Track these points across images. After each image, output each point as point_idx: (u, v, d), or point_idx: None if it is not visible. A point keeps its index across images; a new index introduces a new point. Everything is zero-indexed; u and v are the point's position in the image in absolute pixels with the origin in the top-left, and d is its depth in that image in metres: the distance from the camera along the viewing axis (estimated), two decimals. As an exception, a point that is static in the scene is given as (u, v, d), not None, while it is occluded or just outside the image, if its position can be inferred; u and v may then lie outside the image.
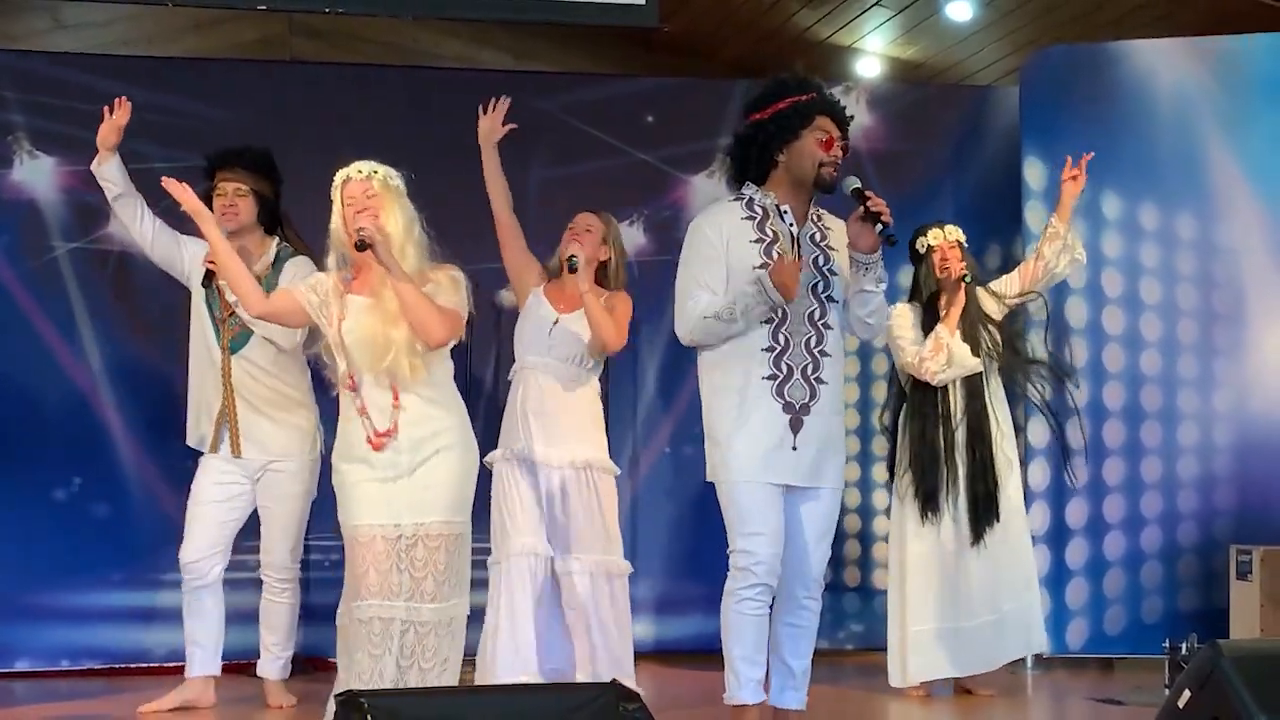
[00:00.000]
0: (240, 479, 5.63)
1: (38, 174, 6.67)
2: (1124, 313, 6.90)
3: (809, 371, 4.67)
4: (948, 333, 5.95)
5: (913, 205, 7.16)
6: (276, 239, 5.69)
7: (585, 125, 7.20)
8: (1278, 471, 6.73)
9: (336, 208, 4.58)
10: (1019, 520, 6.08)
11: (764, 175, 4.78)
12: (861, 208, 4.57)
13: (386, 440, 4.48)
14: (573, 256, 5.41)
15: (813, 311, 4.70)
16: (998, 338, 6.05)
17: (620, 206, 7.12)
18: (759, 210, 4.74)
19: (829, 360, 4.71)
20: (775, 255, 4.66)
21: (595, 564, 5.45)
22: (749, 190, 4.80)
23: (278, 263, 5.63)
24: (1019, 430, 6.90)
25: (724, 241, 4.68)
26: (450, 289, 4.57)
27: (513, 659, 5.30)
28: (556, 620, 5.44)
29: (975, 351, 5.98)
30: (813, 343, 4.69)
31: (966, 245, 6.13)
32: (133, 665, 6.49)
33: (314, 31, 8.17)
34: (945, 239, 6.07)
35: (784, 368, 4.66)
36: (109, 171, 5.64)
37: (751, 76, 7.64)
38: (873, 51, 8.64)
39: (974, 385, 6.00)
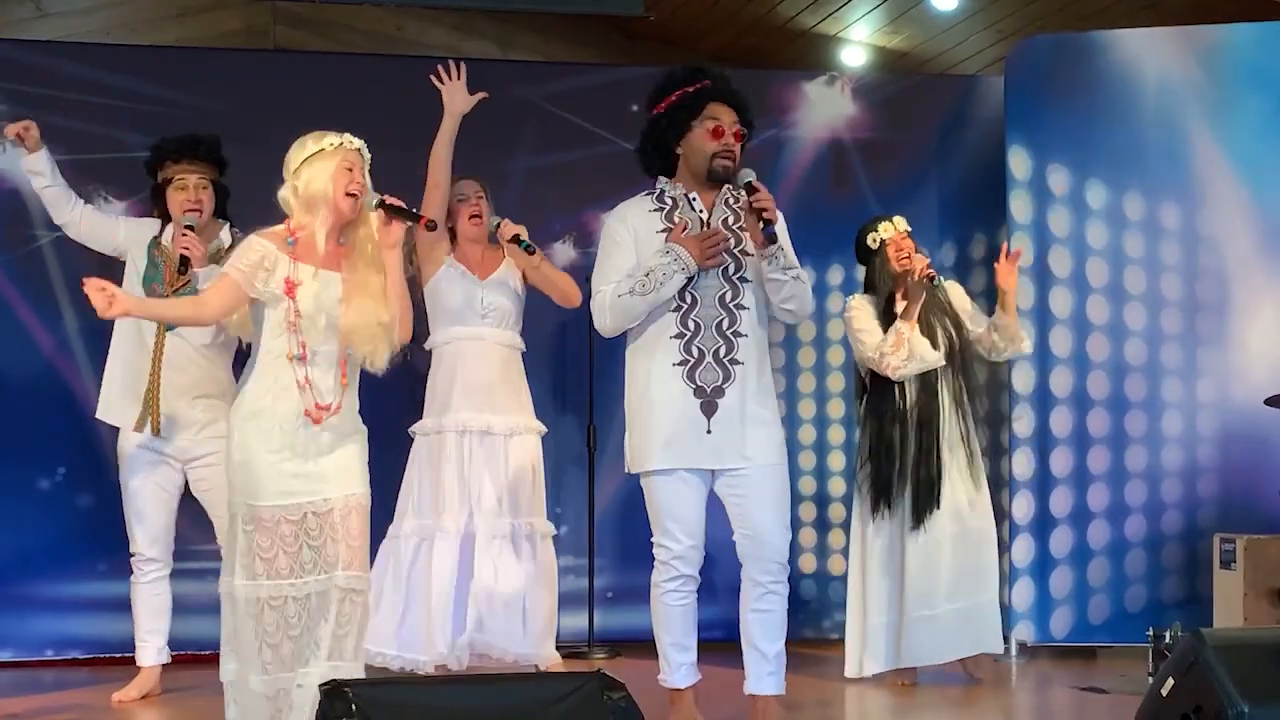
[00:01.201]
0: (170, 463, 5.68)
1: (20, 163, 6.62)
2: (1108, 302, 6.90)
3: (721, 354, 4.73)
4: (909, 328, 5.92)
5: (897, 195, 7.18)
6: (227, 223, 5.77)
7: (569, 114, 7.20)
8: (1261, 460, 6.74)
9: (329, 168, 4.43)
10: (976, 518, 6.04)
11: (670, 168, 4.88)
12: (748, 201, 4.65)
13: (326, 414, 4.40)
14: (523, 241, 5.56)
15: (724, 294, 4.76)
16: (952, 331, 6.04)
17: (604, 195, 7.08)
18: (668, 201, 4.83)
19: (745, 340, 4.76)
20: (676, 220, 4.77)
21: (530, 526, 5.66)
22: (660, 184, 4.89)
23: (233, 245, 5.66)
24: (1003, 420, 6.93)
25: (631, 235, 4.79)
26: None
27: (425, 637, 5.40)
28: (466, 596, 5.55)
29: (932, 343, 5.97)
30: (725, 325, 4.74)
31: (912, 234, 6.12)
32: (117, 655, 6.46)
33: (298, 20, 8.16)
34: (897, 231, 6.06)
35: (694, 352, 4.73)
36: (37, 164, 5.70)
37: (736, 66, 7.66)
38: (858, 41, 8.64)
39: (927, 377, 5.98)
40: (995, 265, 6.19)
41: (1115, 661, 6.69)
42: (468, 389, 5.57)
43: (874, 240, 6.08)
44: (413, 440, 5.77)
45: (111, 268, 6.44)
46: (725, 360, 4.73)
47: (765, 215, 4.59)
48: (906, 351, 5.91)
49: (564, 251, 7.06)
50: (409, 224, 4.52)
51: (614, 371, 6.95)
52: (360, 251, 4.47)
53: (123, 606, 6.30)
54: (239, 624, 4.39)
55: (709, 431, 4.72)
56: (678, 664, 4.86)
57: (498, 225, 5.67)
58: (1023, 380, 6.84)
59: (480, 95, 5.52)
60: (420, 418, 5.77)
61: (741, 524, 4.79)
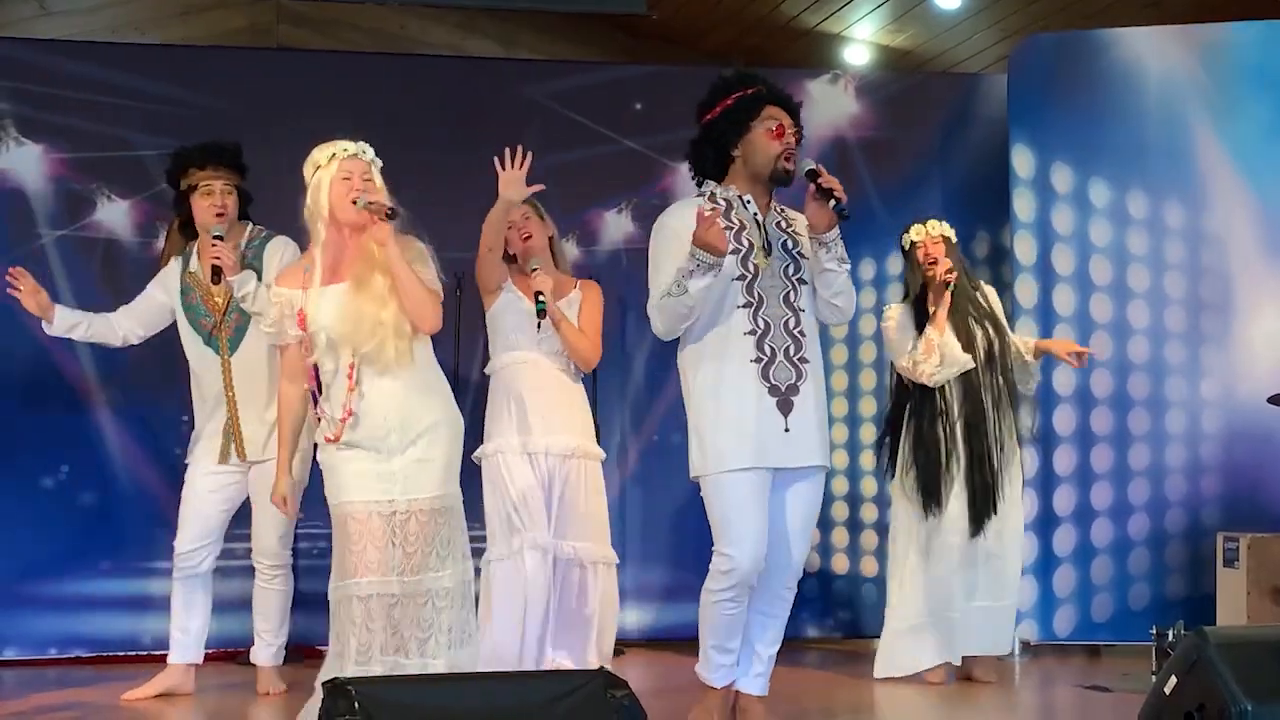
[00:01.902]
0: (233, 471, 5.67)
1: (24, 161, 6.66)
2: (1111, 300, 6.90)
3: (791, 352, 4.70)
4: (937, 334, 5.92)
5: (901, 193, 7.18)
6: (249, 223, 5.76)
7: (573, 113, 7.20)
8: (1265, 459, 6.74)
9: (325, 180, 4.47)
10: (1013, 519, 6.05)
11: (723, 172, 4.83)
12: (813, 186, 4.61)
13: (344, 426, 4.43)
14: (540, 301, 5.43)
15: (787, 294, 4.73)
16: (992, 333, 6.03)
17: (609, 194, 7.15)
18: (722, 202, 4.77)
19: (808, 340, 4.74)
20: (745, 242, 4.70)
21: (590, 551, 5.53)
22: (709, 186, 4.84)
23: (258, 243, 5.66)
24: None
25: (690, 235, 4.61)
26: (425, 266, 4.54)
27: (503, 655, 5.37)
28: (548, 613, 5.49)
29: (969, 346, 5.97)
30: (791, 324, 4.71)
31: (954, 240, 6.10)
32: (121, 654, 6.48)
33: (301, 19, 8.17)
34: (928, 234, 6.05)
35: (767, 350, 4.68)
36: (64, 324, 5.68)
37: (739, 64, 7.65)
38: (861, 39, 8.64)
39: (969, 380, 5.97)
40: (1069, 350, 6.18)
41: (1118, 660, 6.69)
42: (524, 411, 5.52)
43: (906, 242, 6.08)
44: (478, 466, 5.67)
45: (116, 273, 6.49)
46: (795, 359, 4.70)
47: (835, 194, 4.55)
48: (938, 357, 5.91)
49: (567, 250, 7.04)
50: (383, 217, 4.45)
51: (615, 376, 7.01)
52: (364, 254, 4.47)
53: (126, 605, 6.35)
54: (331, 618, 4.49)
55: (786, 430, 4.66)
56: (717, 664, 4.80)
57: (534, 270, 5.57)
58: (1026, 378, 6.84)
59: (537, 188, 5.35)
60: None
61: (781, 529, 4.72)
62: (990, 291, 6.22)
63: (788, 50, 8.64)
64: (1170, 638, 5.57)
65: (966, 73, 8.35)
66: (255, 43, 7.99)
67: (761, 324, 4.69)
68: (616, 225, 7.17)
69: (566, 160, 7.13)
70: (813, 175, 4.63)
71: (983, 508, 5.92)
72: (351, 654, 4.41)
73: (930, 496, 5.94)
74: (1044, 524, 6.84)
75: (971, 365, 5.96)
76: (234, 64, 7.10)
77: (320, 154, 4.52)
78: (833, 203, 4.57)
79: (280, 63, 7.33)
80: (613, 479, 7.06)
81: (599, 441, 6.29)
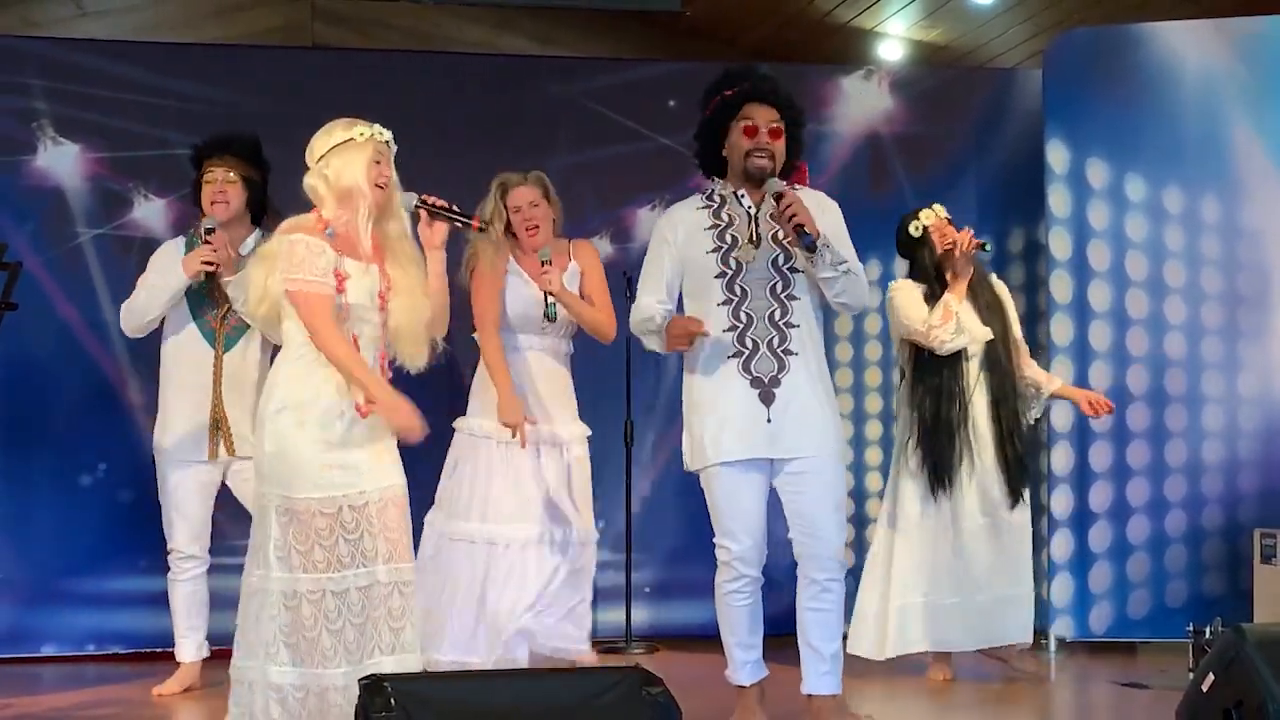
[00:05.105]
0: (210, 468, 5.70)
1: (62, 161, 6.70)
2: (1148, 296, 6.87)
3: (775, 344, 4.74)
4: (956, 300, 5.86)
5: (935, 189, 7.14)
6: (257, 231, 5.71)
7: (608, 110, 7.20)
8: (1303, 455, 6.72)
9: (362, 159, 4.35)
10: (1023, 507, 6.02)
11: (722, 168, 4.94)
12: (778, 210, 4.66)
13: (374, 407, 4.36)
14: (551, 305, 5.57)
15: (774, 285, 4.77)
16: (1010, 326, 6.00)
17: (643, 191, 7.15)
18: (717, 199, 4.87)
19: (798, 331, 4.77)
20: (729, 238, 4.78)
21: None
22: (712, 184, 4.94)
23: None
24: (1042, 414, 6.89)
25: (676, 235, 4.84)
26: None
27: (490, 639, 5.50)
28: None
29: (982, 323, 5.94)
30: (777, 316, 4.75)
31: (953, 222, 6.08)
32: (158, 650, 6.51)
33: (336, 18, 8.21)
34: (938, 216, 6.03)
35: (749, 343, 4.74)
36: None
37: (774, 60, 7.64)
38: (895, 35, 8.63)
39: (993, 357, 5.93)
40: (1089, 399, 6.19)
41: (1155, 657, 6.66)
42: (529, 397, 5.65)
43: (916, 229, 6.04)
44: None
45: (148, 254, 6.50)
46: (779, 350, 4.74)
47: (803, 226, 4.57)
48: (955, 324, 5.85)
49: (602, 248, 7.05)
50: (458, 227, 4.51)
51: (650, 369, 7.00)
52: (399, 247, 4.45)
53: (163, 602, 6.35)
54: (261, 617, 4.33)
55: (769, 420, 4.72)
56: (742, 662, 4.90)
57: (545, 264, 5.57)
58: (1062, 375, 6.80)
59: None
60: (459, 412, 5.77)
61: (798, 519, 4.77)
62: (1001, 286, 6.17)
63: (821, 46, 8.64)
64: (1207, 635, 5.56)
65: (1001, 68, 8.34)
66: (290, 42, 8.03)
67: (744, 318, 4.76)
68: (650, 222, 7.12)
69: (600, 157, 7.14)
70: (778, 198, 4.67)
71: (1019, 477, 5.92)
72: (325, 653, 4.30)
73: (940, 480, 5.90)
74: (1080, 520, 6.82)
75: (990, 337, 5.92)
76: (269, 63, 7.12)
77: (347, 130, 4.39)
78: (804, 238, 4.60)
79: (315, 61, 7.35)
80: (646, 475, 7.07)
81: (636, 437, 6.35)
